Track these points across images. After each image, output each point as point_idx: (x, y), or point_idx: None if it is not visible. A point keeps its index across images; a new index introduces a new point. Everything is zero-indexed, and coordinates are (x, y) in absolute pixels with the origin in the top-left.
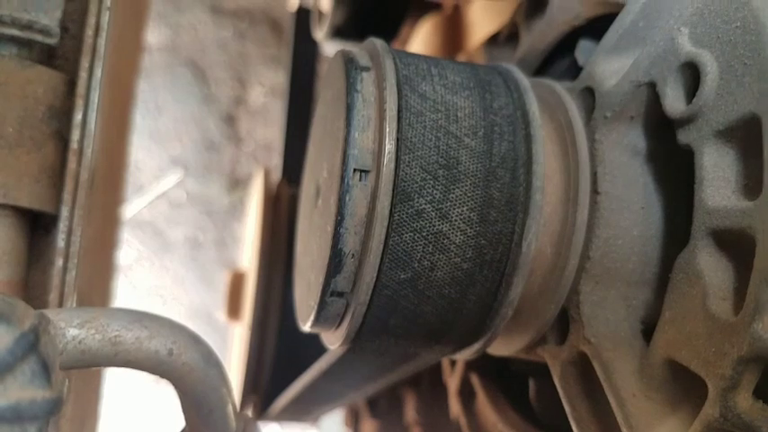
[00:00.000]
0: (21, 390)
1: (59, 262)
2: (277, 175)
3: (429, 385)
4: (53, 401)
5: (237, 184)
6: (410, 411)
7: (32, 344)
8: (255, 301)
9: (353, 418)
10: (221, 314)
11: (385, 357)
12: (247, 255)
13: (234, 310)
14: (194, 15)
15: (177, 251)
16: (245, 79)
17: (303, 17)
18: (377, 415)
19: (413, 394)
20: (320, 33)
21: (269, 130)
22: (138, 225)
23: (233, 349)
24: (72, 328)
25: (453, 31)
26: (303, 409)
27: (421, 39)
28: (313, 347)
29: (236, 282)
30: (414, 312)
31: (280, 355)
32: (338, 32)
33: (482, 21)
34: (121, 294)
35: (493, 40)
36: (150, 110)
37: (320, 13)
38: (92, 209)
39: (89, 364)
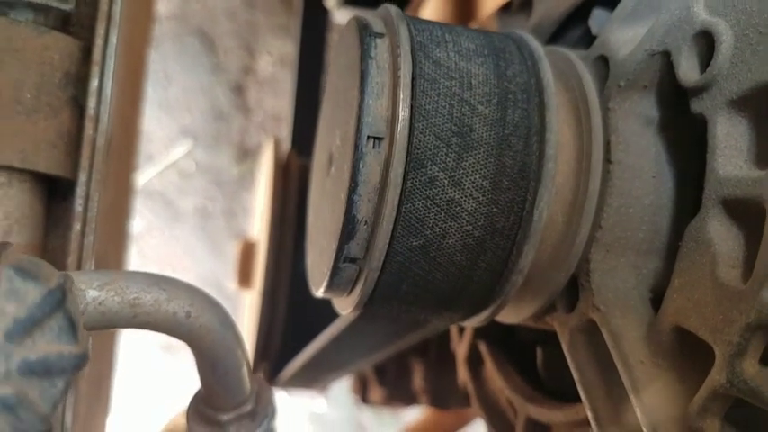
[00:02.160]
0: (48, 344)
1: (77, 226)
2: (286, 145)
3: (436, 354)
4: (79, 356)
5: (246, 154)
6: (418, 379)
7: (59, 301)
8: (266, 269)
9: (362, 387)
10: (231, 283)
11: (395, 324)
12: (258, 224)
13: (244, 278)
14: None
15: (187, 221)
16: (253, 48)
17: None
18: (385, 383)
19: (420, 363)
20: (331, 1)
21: (277, 101)
22: (149, 195)
23: (243, 317)
24: (92, 290)
25: (465, 2)
26: (312, 376)
27: (432, 8)
28: (323, 315)
29: (247, 250)
30: (425, 279)
31: (290, 323)
32: (349, 0)
33: None
34: (132, 264)
35: (506, 9)
36: (159, 79)
37: None
38: (107, 176)
39: (109, 326)
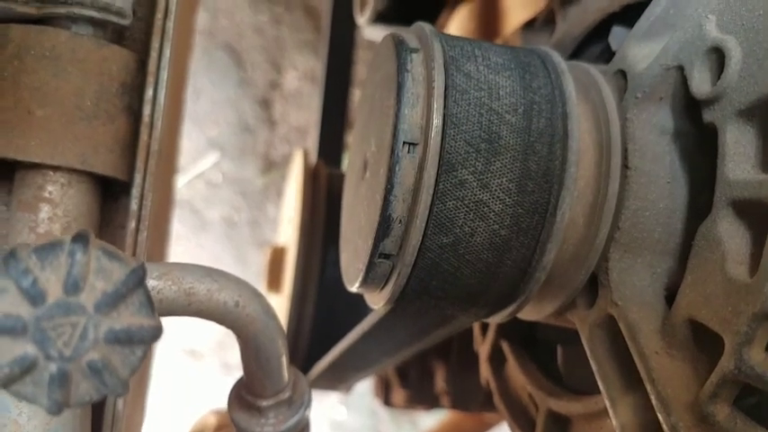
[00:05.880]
0: (131, 317)
1: (132, 224)
2: (313, 156)
3: (458, 357)
4: (156, 328)
5: (271, 166)
6: (440, 381)
7: (140, 279)
8: (295, 273)
9: (384, 389)
10: (260, 288)
11: (424, 319)
12: (286, 230)
13: (274, 282)
14: (231, 0)
15: (213, 230)
16: (279, 64)
17: (340, 8)
18: (407, 385)
19: (442, 365)
20: (362, 18)
21: (302, 114)
22: (177, 204)
23: None
24: (151, 280)
25: (489, 17)
26: (339, 375)
27: (457, 24)
28: (350, 318)
29: (276, 256)
30: (454, 275)
31: (317, 326)
32: (380, 18)
33: (518, 7)
34: None
35: (529, 26)
36: (188, 93)
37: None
38: (157, 177)
39: (165, 313)
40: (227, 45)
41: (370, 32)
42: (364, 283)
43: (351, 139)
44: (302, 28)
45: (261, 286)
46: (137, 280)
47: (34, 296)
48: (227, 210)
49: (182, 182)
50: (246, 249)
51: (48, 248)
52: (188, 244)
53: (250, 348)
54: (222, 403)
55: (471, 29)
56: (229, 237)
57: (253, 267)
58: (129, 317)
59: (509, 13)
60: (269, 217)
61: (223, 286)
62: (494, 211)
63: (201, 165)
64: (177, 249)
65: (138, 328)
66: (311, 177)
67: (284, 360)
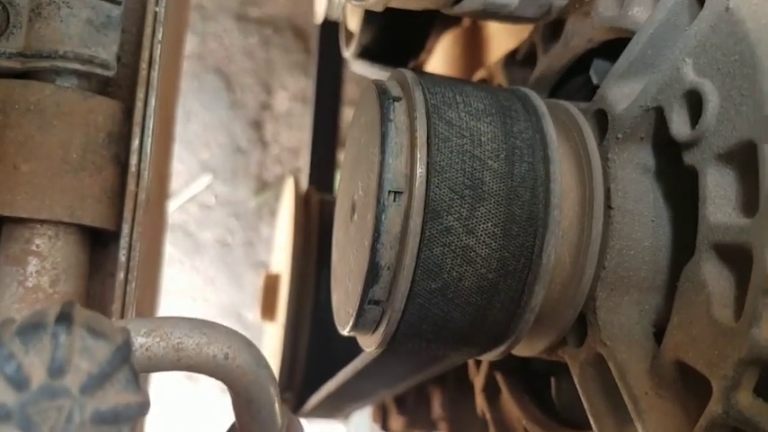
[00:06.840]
0: (117, 395)
1: (121, 275)
2: (305, 181)
3: (454, 383)
4: (143, 405)
5: (264, 186)
6: (437, 407)
7: (125, 356)
8: (289, 301)
9: (381, 415)
10: (250, 313)
11: (417, 359)
12: (279, 257)
13: (268, 310)
14: (220, 24)
15: (207, 252)
16: (269, 85)
17: (329, 30)
18: (404, 411)
19: (439, 391)
20: (348, 52)
21: (293, 134)
22: (170, 228)
23: (265, 348)
24: (140, 337)
25: (473, 45)
26: (336, 406)
27: (442, 51)
28: (345, 347)
29: (270, 283)
30: (444, 318)
31: (313, 355)
32: (366, 52)
33: (502, 35)
34: None
35: (511, 59)
36: (180, 116)
37: (348, 33)
38: (146, 225)
39: (155, 369)
40: (217, 68)
41: (357, 66)
42: (355, 327)
43: (340, 170)
44: (291, 49)
45: (256, 308)
46: (122, 357)
47: (18, 382)
48: (221, 232)
49: (175, 205)
50: (241, 271)
51: (31, 330)
52: (182, 267)
53: (242, 399)
54: (219, 428)
55: (456, 55)
56: (224, 259)
57: (248, 288)
58: (114, 395)
59: (493, 41)
60: (263, 238)
61: (212, 339)
62: (480, 256)
63: (194, 187)
64: (171, 272)
65: (125, 406)
66: (303, 204)
67: (276, 407)
